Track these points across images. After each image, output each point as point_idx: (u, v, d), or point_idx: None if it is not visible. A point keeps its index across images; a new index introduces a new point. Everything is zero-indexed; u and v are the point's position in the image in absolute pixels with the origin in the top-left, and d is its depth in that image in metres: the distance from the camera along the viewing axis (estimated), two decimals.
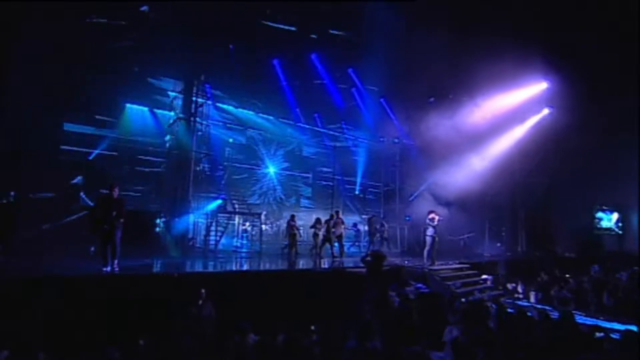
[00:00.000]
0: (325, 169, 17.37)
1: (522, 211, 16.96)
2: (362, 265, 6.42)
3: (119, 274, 6.00)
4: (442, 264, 9.56)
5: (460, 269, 9.69)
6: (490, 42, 12.23)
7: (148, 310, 5.44)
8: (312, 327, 4.50)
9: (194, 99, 11.74)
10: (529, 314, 5.91)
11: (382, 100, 16.33)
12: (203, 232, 11.90)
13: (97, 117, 11.36)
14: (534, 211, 16.94)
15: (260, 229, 12.00)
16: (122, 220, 6.55)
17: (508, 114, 15.56)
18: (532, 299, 9.92)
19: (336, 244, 10.38)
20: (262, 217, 14.31)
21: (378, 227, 12.23)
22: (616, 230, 17.12)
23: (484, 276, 10.00)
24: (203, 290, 5.99)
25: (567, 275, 10.29)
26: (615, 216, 16.90)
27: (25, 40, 8.63)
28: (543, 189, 16.71)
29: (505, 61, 13.04)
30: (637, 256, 14.44)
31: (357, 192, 17.32)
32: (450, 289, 7.97)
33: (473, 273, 9.64)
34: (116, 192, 6.58)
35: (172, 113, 12.05)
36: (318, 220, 10.42)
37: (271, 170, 16.49)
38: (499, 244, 16.61)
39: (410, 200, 16.55)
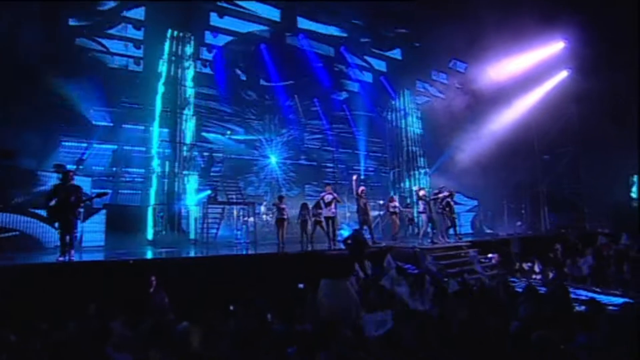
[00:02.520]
0: (328, 156, 16.87)
1: (544, 185, 15.45)
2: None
3: (70, 262, 5.82)
4: (441, 244, 8.77)
5: (460, 247, 8.81)
6: None
7: (95, 297, 5.18)
8: (231, 308, 4.03)
9: None
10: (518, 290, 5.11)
11: (382, 78, 15.48)
12: (200, 224, 11.78)
13: None
14: (559, 185, 15.41)
15: (255, 220, 11.63)
16: (81, 208, 6.39)
17: (524, 77, 14.24)
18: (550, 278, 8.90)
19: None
20: (263, 207, 14.03)
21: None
22: None
23: (490, 255, 9.08)
24: (153, 278, 5.70)
25: (579, 246, 9.08)
26: None
27: None
28: (568, 160, 15.12)
29: (521, 18, 11.96)
30: None
31: (362, 176, 16.57)
32: (439, 269, 7.19)
33: (474, 252, 8.72)
34: (72, 179, 6.41)
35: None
36: (304, 206, 9.78)
37: (273, 160, 16.15)
38: (519, 223, 15.31)
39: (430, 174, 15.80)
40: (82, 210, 6.48)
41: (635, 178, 15.12)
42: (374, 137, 17.41)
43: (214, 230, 11.64)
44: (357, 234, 7.51)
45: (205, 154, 14.04)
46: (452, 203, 9.65)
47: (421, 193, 9.23)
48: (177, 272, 5.98)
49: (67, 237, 6.21)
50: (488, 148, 14.88)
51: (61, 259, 6.04)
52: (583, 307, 4.18)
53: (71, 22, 11.71)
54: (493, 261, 8.74)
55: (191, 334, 3.40)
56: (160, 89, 11.73)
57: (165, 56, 11.77)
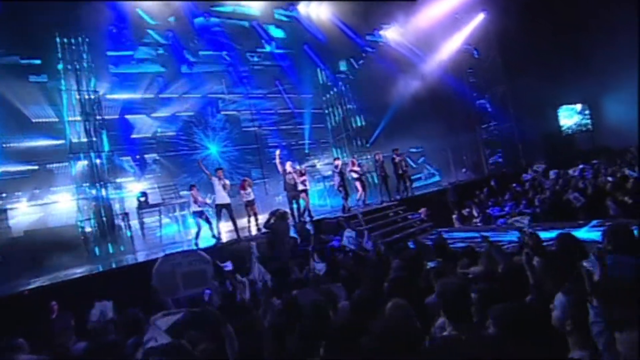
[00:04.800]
0: (270, 137, 16.54)
1: (480, 128, 15.83)
2: None
3: None
4: (365, 207, 8.87)
5: (389, 208, 8.94)
6: None
7: None
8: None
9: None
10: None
11: (305, 46, 15.02)
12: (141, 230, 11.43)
13: None
14: (494, 126, 15.82)
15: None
16: None
17: (445, 24, 14.18)
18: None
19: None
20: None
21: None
22: (583, 124, 15.96)
23: (421, 210, 9.27)
24: (54, 303, 5.45)
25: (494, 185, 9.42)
26: (578, 106, 15.65)
27: None
28: (498, 99, 15.46)
29: None
30: (607, 151, 13.54)
31: (306, 151, 16.44)
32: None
33: (402, 210, 8.88)
34: None
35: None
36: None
37: (213, 150, 15.67)
38: (464, 170, 15.74)
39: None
40: None
41: (560, 110, 15.72)
42: (315, 109, 17.17)
43: (159, 234, 11.38)
44: (280, 211, 7.42)
45: (138, 157, 13.47)
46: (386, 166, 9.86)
47: (336, 162, 9.24)
48: (80, 291, 5.74)
49: None
50: (423, 100, 15.01)
51: None
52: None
53: None
54: (422, 216, 8.92)
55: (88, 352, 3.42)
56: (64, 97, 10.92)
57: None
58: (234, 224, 8.31)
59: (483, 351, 1.53)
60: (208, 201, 8.93)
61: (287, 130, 16.72)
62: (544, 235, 4.28)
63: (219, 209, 8.08)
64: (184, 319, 3.28)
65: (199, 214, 8.33)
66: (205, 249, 7.83)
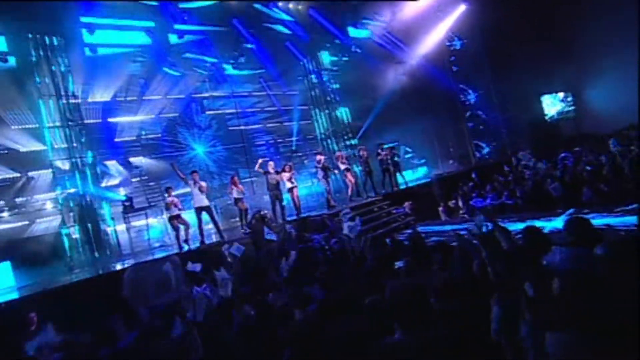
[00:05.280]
0: (258, 135, 16.47)
1: (464, 117, 15.85)
2: None
3: None
4: (350, 203, 8.89)
5: (373, 203, 8.97)
6: None
7: None
8: None
9: None
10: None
11: (288, 42, 14.89)
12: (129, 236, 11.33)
13: None
14: (479, 116, 15.87)
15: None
16: None
17: (427, 15, 14.16)
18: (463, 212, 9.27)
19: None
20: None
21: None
22: (566, 111, 16.10)
23: (405, 204, 9.31)
24: (33, 314, 5.39)
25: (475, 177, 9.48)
26: (561, 94, 15.79)
27: None
28: (482, 89, 15.47)
29: None
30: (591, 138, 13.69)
31: (294, 148, 16.40)
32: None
33: (386, 205, 8.91)
34: None
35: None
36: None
37: (199, 150, 15.56)
38: (451, 162, 15.82)
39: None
40: None
41: (543, 97, 15.83)
42: (301, 105, 17.09)
43: (147, 237, 11.31)
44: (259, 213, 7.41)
45: (122, 160, 13.33)
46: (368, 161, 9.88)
47: (318, 158, 9.23)
48: (60, 301, 5.68)
49: None
50: (409, 92, 15.02)
51: None
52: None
53: None
54: (406, 210, 8.96)
55: None
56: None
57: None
58: (216, 225, 8.24)
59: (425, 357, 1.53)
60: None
61: (274, 128, 16.67)
62: (515, 227, 4.33)
63: (199, 212, 8.00)
64: None
65: (176, 218, 8.23)
66: (190, 252, 7.82)
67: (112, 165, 13.14)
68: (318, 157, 9.41)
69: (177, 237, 8.19)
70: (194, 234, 8.46)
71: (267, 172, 8.78)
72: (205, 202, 7.96)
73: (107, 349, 3.35)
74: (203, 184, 8.04)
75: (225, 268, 4.65)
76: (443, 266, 3.52)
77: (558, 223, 5.52)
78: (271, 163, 9.06)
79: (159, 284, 4.23)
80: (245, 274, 5.00)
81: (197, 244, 8.06)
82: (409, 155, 15.61)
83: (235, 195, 8.71)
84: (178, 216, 8.20)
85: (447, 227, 6.83)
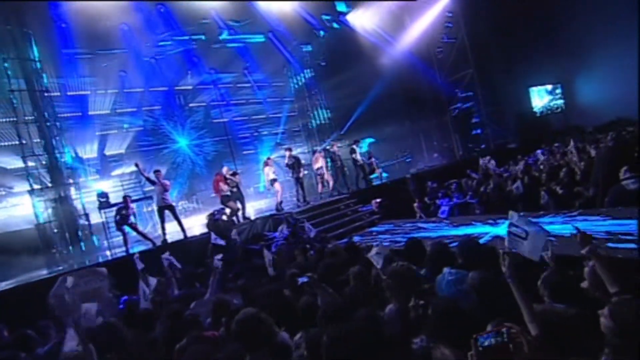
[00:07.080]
0: (242, 127, 16.37)
1: (449, 110, 15.61)
2: None
3: None
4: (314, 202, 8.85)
5: (340, 201, 8.92)
6: None
7: None
8: None
9: None
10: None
11: (270, 34, 14.64)
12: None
13: None
14: (464, 108, 15.60)
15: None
16: None
17: (410, 6, 13.83)
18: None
19: None
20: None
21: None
22: (554, 104, 15.80)
23: (373, 202, 9.22)
24: None
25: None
26: (549, 87, 15.48)
27: None
28: (468, 80, 15.13)
29: None
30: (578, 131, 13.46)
31: (279, 140, 16.30)
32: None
33: (353, 203, 8.85)
34: None
35: None
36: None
37: (182, 143, 15.50)
38: (435, 155, 15.65)
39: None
40: None
41: (531, 90, 15.52)
42: (286, 98, 16.92)
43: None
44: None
45: (102, 154, 13.35)
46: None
47: (287, 153, 9.13)
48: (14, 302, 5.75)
49: None
50: (393, 86, 14.77)
51: None
52: None
53: None
54: (374, 207, 8.88)
55: None
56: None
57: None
58: (180, 224, 8.24)
59: None
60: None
61: (258, 121, 16.55)
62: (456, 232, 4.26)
63: (161, 211, 8.00)
64: None
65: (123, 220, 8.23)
66: (151, 251, 7.85)
67: (91, 158, 13.15)
68: (286, 152, 9.27)
69: (125, 240, 8.28)
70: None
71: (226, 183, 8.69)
72: (169, 201, 7.97)
73: (24, 353, 3.39)
74: (167, 182, 8.04)
75: (160, 275, 4.68)
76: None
77: (502, 229, 5.43)
78: (225, 167, 9.01)
79: (86, 295, 4.26)
80: (179, 280, 5.01)
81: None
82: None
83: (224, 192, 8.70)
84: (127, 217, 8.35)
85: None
